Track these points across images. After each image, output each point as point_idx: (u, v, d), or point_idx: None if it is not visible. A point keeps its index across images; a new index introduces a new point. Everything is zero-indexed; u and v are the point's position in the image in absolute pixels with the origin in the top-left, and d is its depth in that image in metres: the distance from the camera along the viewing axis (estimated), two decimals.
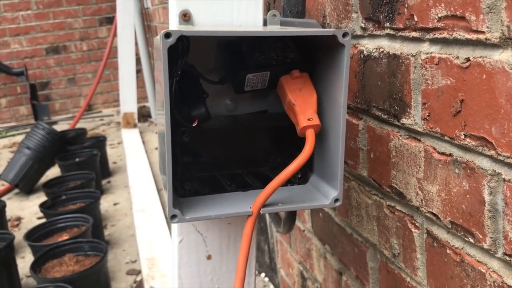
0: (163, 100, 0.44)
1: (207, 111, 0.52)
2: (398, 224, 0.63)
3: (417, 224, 0.59)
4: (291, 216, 0.71)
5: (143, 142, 3.28)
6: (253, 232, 0.53)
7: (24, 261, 1.97)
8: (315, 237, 0.96)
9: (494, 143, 0.43)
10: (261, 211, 0.49)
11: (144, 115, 4.07)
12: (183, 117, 0.50)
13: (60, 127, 3.79)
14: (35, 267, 1.58)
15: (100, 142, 3.00)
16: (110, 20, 4.47)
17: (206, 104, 0.52)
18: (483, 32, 0.43)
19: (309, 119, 0.49)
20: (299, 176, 0.57)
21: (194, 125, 0.50)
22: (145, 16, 3.85)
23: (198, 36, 0.48)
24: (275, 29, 0.52)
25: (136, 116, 3.68)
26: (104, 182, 2.80)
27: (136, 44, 3.77)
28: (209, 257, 0.62)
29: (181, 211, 0.48)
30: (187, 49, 0.48)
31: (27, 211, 2.50)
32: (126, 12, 3.44)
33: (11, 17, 4.38)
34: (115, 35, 3.65)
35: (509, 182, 0.43)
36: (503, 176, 0.43)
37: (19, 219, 2.41)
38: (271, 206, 0.50)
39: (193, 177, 0.54)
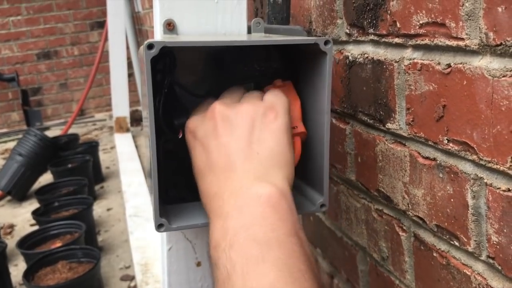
0: (148, 110, 0.44)
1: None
2: (386, 227, 0.63)
3: (404, 228, 0.59)
4: None
5: (136, 147, 3.27)
6: None
7: (17, 269, 1.96)
8: None
9: (475, 148, 0.44)
10: None
11: (136, 119, 4.06)
12: (168, 126, 0.50)
13: (52, 133, 3.78)
14: (28, 275, 1.58)
15: (92, 147, 3.00)
16: (101, 25, 4.46)
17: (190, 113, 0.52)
18: (462, 39, 0.43)
19: (294, 127, 0.49)
20: None
21: (179, 136, 0.50)
22: (136, 20, 3.85)
23: (181, 46, 0.48)
24: (258, 37, 0.53)
25: (128, 120, 3.67)
26: (97, 187, 2.80)
27: (128, 48, 3.77)
28: (198, 264, 0.63)
29: (168, 220, 0.48)
30: (174, 63, 0.49)
31: (19, 218, 2.49)
32: (117, 16, 3.43)
33: (1, 23, 4.36)
34: (106, 39, 3.64)
35: (491, 186, 0.43)
36: (485, 181, 0.44)
37: (11, 226, 2.40)
38: None
39: (179, 184, 0.55)
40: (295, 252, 0.38)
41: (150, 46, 0.42)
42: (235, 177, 0.43)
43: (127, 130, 3.62)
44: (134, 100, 4.15)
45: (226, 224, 0.40)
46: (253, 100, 0.47)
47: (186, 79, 0.54)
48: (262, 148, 0.44)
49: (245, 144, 0.44)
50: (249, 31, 0.54)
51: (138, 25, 3.81)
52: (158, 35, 0.50)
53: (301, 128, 0.50)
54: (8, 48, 4.42)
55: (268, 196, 0.41)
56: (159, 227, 0.47)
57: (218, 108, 0.46)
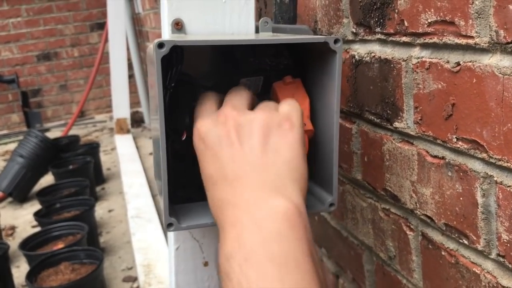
0: (157, 109, 0.44)
1: (190, 122, 0.51)
2: (393, 226, 0.63)
3: (412, 227, 0.59)
4: None
5: (137, 148, 3.27)
6: None
7: (19, 271, 1.95)
8: None
9: (485, 146, 0.44)
10: None
11: (137, 120, 4.06)
12: (172, 127, 0.50)
13: (52, 134, 3.77)
14: (31, 276, 1.57)
15: (93, 148, 2.99)
16: (101, 26, 4.46)
17: (192, 114, 0.51)
18: (472, 37, 0.43)
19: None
20: None
21: (183, 138, 0.50)
22: (136, 21, 3.85)
23: (188, 45, 0.48)
24: (267, 36, 0.53)
25: (129, 121, 3.67)
26: (98, 189, 2.80)
27: (128, 49, 3.77)
28: (205, 264, 0.63)
29: (177, 219, 0.48)
30: (181, 59, 0.48)
31: (21, 220, 2.49)
32: (117, 18, 3.43)
33: (1, 25, 4.35)
34: (106, 40, 3.64)
35: (501, 184, 0.43)
36: (495, 179, 0.44)
37: (13, 228, 2.40)
38: None
39: (187, 184, 0.54)
40: (310, 273, 0.38)
41: (161, 45, 0.42)
42: (251, 187, 0.42)
43: (128, 132, 3.62)
44: (134, 102, 4.15)
45: (241, 236, 0.39)
46: (268, 109, 0.46)
47: (193, 73, 0.54)
48: (278, 158, 0.43)
49: (261, 153, 0.43)
50: (256, 31, 0.54)
51: (139, 26, 3.81)
52: (167, 34, 0.50)
53: (309, 126, 0.50)
54: (8, 50, 4.42)
55: (284, 212, 0.40)
56: (168, 226, 0.47)
57: (231, 114, 0.44)
